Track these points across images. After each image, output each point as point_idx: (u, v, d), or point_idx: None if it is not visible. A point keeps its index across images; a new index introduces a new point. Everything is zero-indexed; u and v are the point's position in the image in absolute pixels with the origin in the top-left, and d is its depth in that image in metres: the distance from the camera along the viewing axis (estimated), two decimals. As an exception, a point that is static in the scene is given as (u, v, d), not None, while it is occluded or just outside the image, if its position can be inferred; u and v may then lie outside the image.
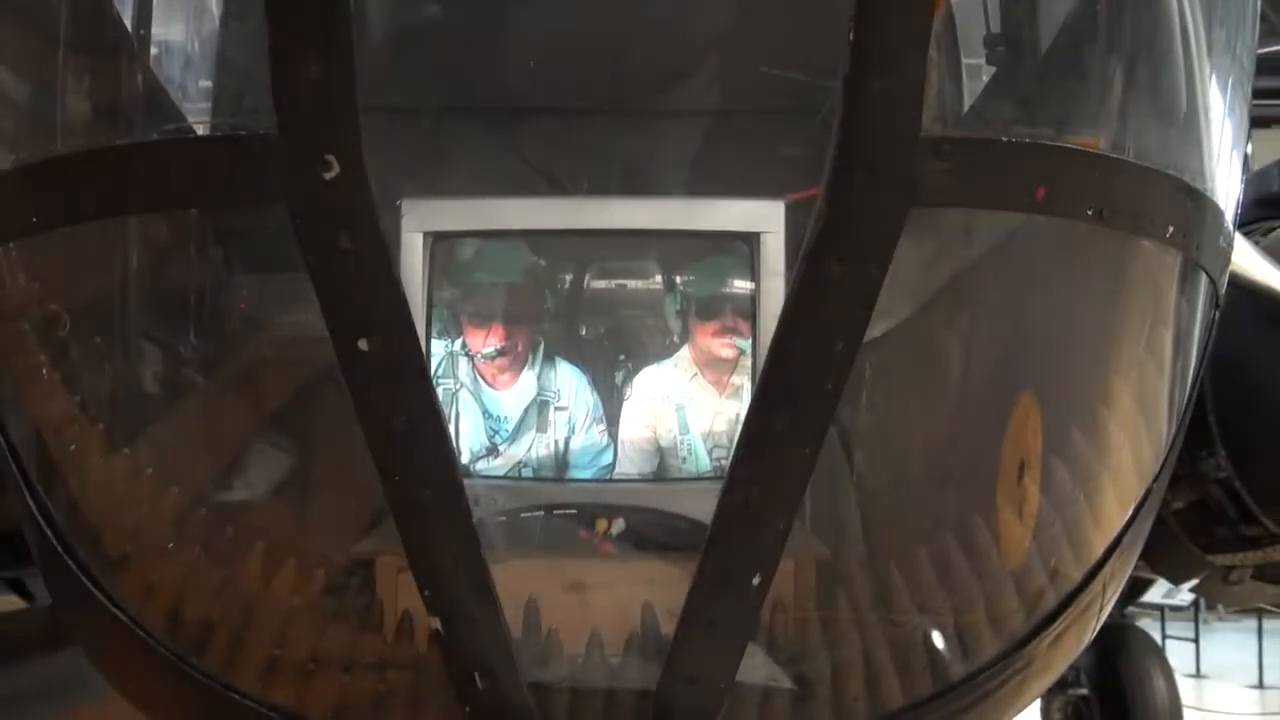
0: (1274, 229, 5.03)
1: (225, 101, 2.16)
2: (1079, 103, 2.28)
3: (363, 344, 1.96)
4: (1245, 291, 4.39)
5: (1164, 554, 5.34)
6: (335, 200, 1.92)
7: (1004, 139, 2.06)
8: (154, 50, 2.20)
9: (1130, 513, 2.48)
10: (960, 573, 2.38)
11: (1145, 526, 2.56)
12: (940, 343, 2.47)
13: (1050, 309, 2.40)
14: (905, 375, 2.47)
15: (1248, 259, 4.46)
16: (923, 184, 1.94)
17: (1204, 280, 2.37)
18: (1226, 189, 2.37)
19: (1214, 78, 2.35)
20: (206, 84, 2.20)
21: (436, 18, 2.71)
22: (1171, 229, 2.18)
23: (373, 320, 1.96)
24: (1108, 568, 2.44)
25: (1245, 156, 2.49)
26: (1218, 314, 2.52)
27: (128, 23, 2.18)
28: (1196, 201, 2.24)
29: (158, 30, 2.20)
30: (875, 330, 2.10)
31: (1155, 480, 2.53)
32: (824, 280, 1.97)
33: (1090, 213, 2.06)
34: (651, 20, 2.58)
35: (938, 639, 2.40)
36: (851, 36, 1.88)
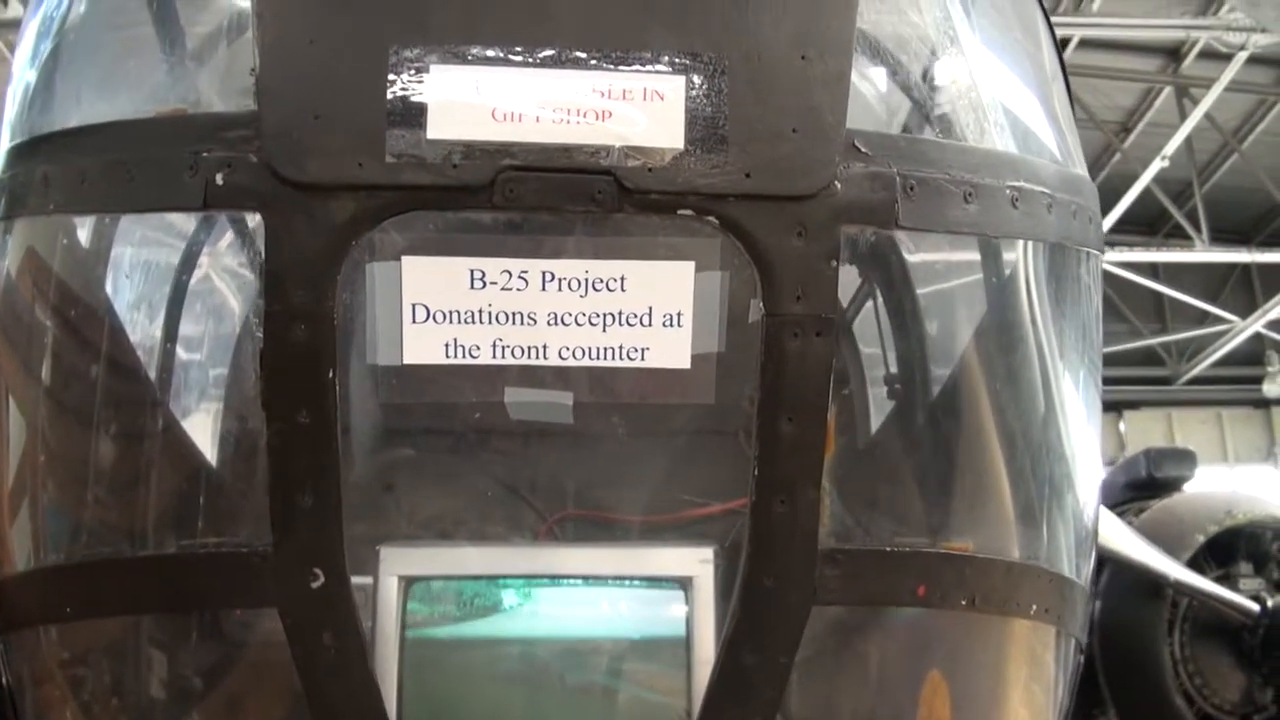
0: (1144, 508, 5.22)
1: (228, 519, 2.29)
2: (953, 516, 2.46)
3: (340, 730, 2.04)
4: (1125, 565, 4.54)
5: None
6: (320, 605, 2.02)
7: (889, 549, 2.22)
8: (171, 474, 2.34)
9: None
10: None
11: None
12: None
13: (941, 659, 2.51)
14: None
15: (1123, 538, 4.62)
16: (821, 587, 2.10)
17: (1070, 639, 2.51)
18: (1080, 564, 2.52)
19: (1068, 479, 2.53)
20: (216, 502, 2.33)
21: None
22: (1035, 607, 2.33)
23: (351, 711, 2.03)
24: None
25: (1095, 523, 2.65)
26: (1082, 656, 2.64)
27: (149, 456, 2.33)
28: (1055, 582, 2.39)
29: (174, 460, 2.35)
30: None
31: None
32: (740, 669, 2.09)
33: (965, 603, 2.21)
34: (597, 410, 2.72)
35: None
36: (755, 471, 2.04)
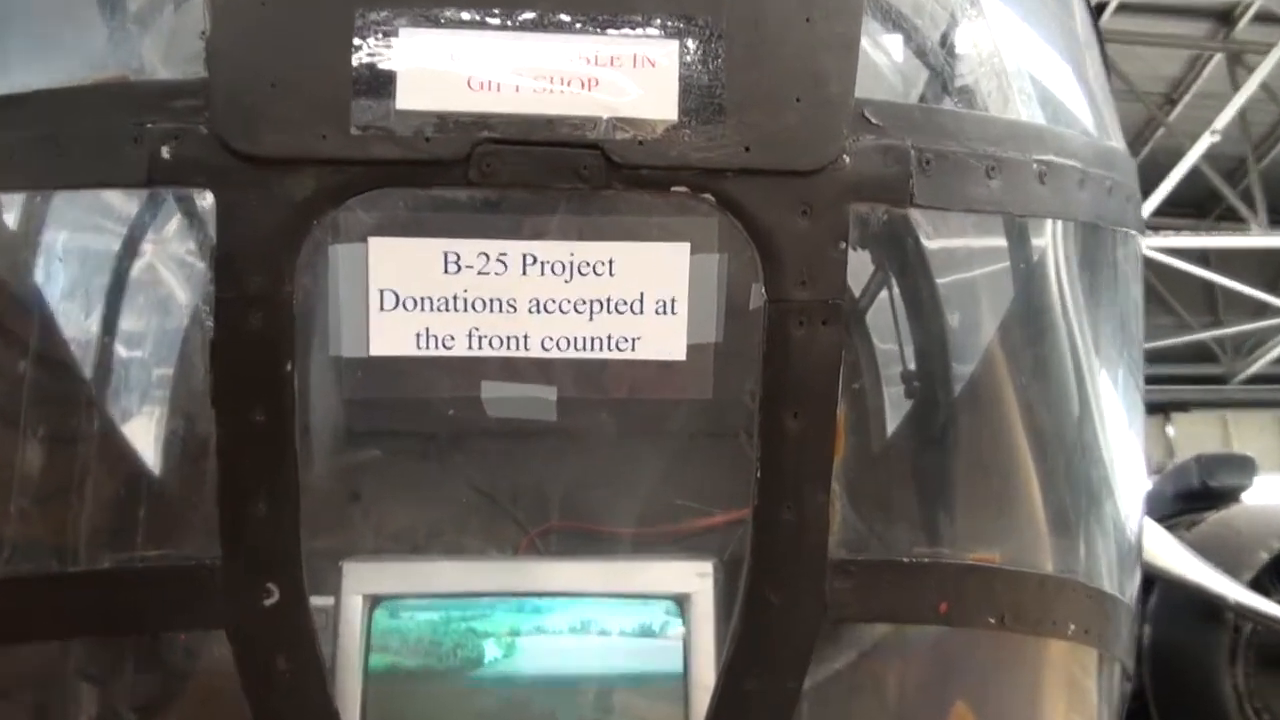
0: (1197, 522, 5.12)
1: (172, 529, 2.24)
2: (979, 523, 2.40)
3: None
4: (1177, 585, 4.45)
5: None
6: (273, 624, 1.96)
7: (906, 560, 2.16)
8: (108, 479, 2.28)
9: None
10: None
11: None
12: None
13: (967, 684, 2.46)
14: None
15: (1174, 555, 4.52)
16: (832, 603, 2.03)
17: (1114, 664, 2.45)
18: (1124, 581, 2.46)
19: (1106, 486, 2.48)
20: (157, 511, 2.27)
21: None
22: (1073, 627, 2.26)
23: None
24: None
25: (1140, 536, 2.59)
26: (1129, 684, 2.58)
27: (84, 460, 2.27)
28: (1096, 600, 2.32)
29: (111, 464, 2.29)
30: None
31: None
32: (743, 695, 2.03)
33: (993, 621, 2.15)
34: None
35: None
36: (758, 474, 1.98)
